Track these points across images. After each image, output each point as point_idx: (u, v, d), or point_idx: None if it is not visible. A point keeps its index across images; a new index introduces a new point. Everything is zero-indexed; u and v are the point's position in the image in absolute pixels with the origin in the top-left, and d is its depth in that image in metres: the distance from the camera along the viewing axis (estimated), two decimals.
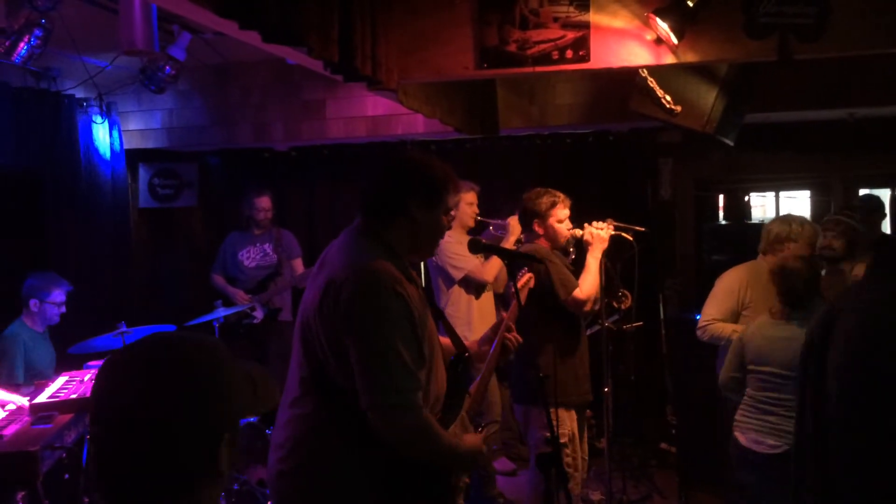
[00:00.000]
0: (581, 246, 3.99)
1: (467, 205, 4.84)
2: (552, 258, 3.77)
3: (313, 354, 2.22)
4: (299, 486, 2.24)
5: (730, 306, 3.95)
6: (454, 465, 2.31)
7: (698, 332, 4.03)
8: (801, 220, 4.05)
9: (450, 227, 2.38)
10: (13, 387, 4.10)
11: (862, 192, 6.11)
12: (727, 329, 3.88)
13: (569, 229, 3.94)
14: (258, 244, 5.76)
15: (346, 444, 2.21)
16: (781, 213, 5.87)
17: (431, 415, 2.23)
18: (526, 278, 3.18)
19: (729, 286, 3.99)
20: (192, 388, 1.15)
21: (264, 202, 5.71)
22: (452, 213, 4.80)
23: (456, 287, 4.72)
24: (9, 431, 3.20)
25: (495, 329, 2.71)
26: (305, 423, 2.25)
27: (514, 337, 2.70)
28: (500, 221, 5.02)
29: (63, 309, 4.45)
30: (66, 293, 4.46)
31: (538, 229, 3.90)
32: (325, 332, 2.17)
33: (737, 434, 3.39)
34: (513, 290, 3.14)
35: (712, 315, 3.97)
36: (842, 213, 4.48)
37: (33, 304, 4.36)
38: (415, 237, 2.31)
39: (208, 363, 1.18)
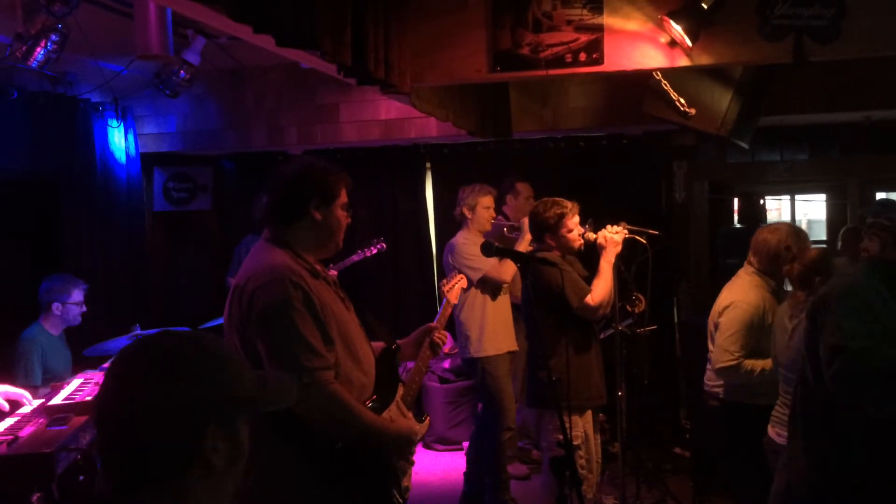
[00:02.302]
0: (594, 249, 3.98)
1: (484, 208, 4.84)
2: (564, 266, 3.77)
3: None
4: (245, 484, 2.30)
5: (752, 339, 3.58)
6: (383, 442, 2.43)
7: (725, 373, 3.63)
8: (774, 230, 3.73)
9: (350, 220, 2.57)
10: (30, 389, 4.14)
11: (878, 195, 6.05)
12: (759, 365, 3.55)
13: (581, 234, 3.95)
14: None
15: (280, 437, 2.30)
16: (798, 219, 5.82)
17: (357, 398, 2.38)
18: (455, 280, 3.26)
19: (747, 319, 3.60)
20: (163, 375, 1.19)
21: None
22: (468, 214, 4.83)
23: (472, 290, 4.72)
24: (24, 433, 3.22)
25: (424, 331, 2.89)
26: None
27: (442, 336, 2.90)
28: (513, 223, 5.02)
29: (84, 308, 4.51)
30: (84, 292, 4.52)
31: (550, 241, 3.91)
32: (238, 335, 2.32)
33: (768, 427, 3.35)
34: (439, 289, 3.19)
35: (738, 352, 3.57)
36: (882, 216, 4.37)
37: (56, 307, 4.41)
38: (317, 235, 2.48)
39: (187, 354, 1.22)
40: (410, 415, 2.66)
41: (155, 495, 1.18)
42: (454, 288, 3.25)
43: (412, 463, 2.61)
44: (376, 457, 2.43)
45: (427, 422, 2.74)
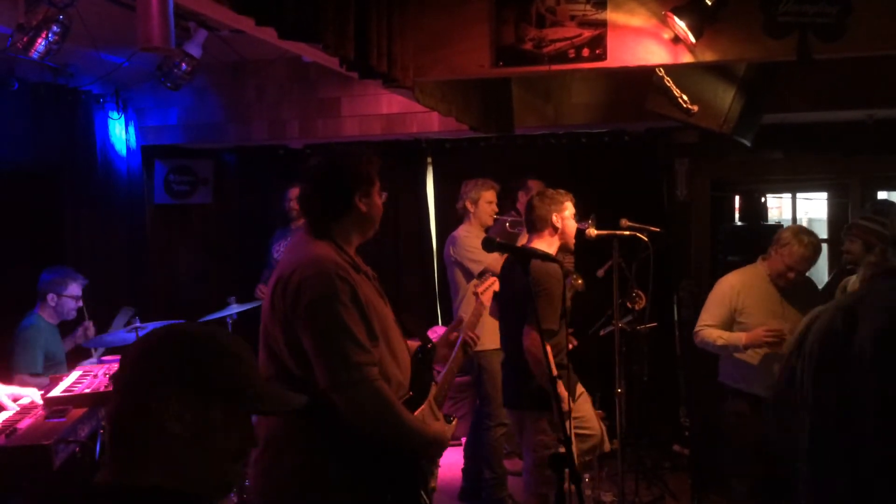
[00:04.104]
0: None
1: (486, 203, 4.85)
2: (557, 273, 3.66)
3: (274, 355, 2.32)
4: (271, 482, 2.33)
5: (722, 313, 3.97)
6: (418, 443, 2.41)
7: (695, 338, 4.07)
8: (805, 232, 3.96)
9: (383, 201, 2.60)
10: (33, 376, 4.15)
11: (880, 195, 6.04)
12: (713, 335, 3.93)
13: (582, 228, 3.93)
14: (289, 238, 5.82)
15: (313, 437, 2.30)
16: (799, 217, 5.83)
17: (399, 391, 2.37)
18: (489, 283, 3.20)
19: (721, 294, 4.01)
20: (145, 343, 1.38)
21: (293, 192, 5.74)
22: (470, 208, 4.83)
23: (473, 281, 4.72)
24: (23, 425, 3.22)
25: (455, 329, 2.88)
26: (269, 422, 2.34)
27: (474, 336, 2.88)
28: (516, 219, 5.01)
29: (80, 303, 4.51)
30: (82, 287, 4.51)
31: (551, 230, 3.86)
32: (281, 328, 2.29)
33: None
34: (473, 292, 3.16)
35: (705, 321, 4.01)
36: (863, 217, 4.40)
37: (51, 298, 4.40)
38: (362, 224, 2.50)
39: (178, 331, 1.40)
40: (441, 415, 2.64)
41: (125, 453, 1.33)
42: (487, 291, 3.18)
43: (438, 465, 2.60)
44: (408, 458, 2.41)
45: (455, 424, 2.71)
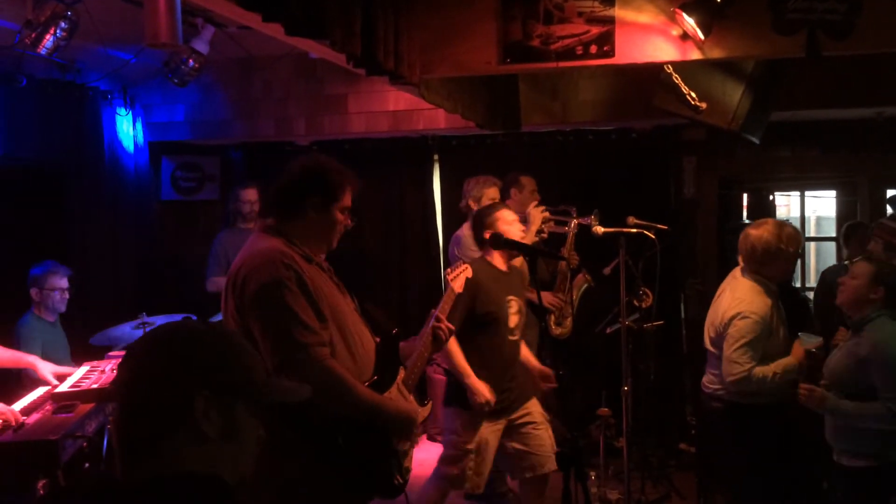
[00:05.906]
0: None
1: (489, 200, 4.82)
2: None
3: None
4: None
5: (760, 349, 3.51)
6: (382, 419, 2.45)
7: (739, 385, 3.51)
8: (759, 224, 3.64)
9: (351, 224, 2.63)
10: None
11: (889, 192, 6.01)
12: (768, 371, 3.49)
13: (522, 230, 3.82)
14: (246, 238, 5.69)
15: (284, 418, 2.27)
16: (807, 216, 5.76)
17: (358, 378, 2.41)
18: (460, 269, 3.21)
19: (757, 326, 3.49)
20: (166, 341, 1.34)
21: (251, 194, 5.48)
22: (474, 206, 4.80)
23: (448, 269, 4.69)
24: (31, 420, 3.23)
25: (428, 319, 2.88)
26: None
27: (446, 326, 2.86)
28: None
29: (66, 294, 4.44)
30: (68, 277, 4.45)
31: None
32: (234, 321, 2.36)
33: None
34: (447, 277, 3.16)
35: (749, 363, 3.47)
36: (890, 217, 4.35)
37: (34, 293, 4.37)
38: (311, 233, 2.52)
39: (197, 330, 1.36)
40: (412, 398, 2.68)
41: (151, 454, 1.26)
42: (459, 277, 3.21)
43: (414, 444, 2.64)
44: (377, 436, 2.45)
45: (429, 406, 2.76)
